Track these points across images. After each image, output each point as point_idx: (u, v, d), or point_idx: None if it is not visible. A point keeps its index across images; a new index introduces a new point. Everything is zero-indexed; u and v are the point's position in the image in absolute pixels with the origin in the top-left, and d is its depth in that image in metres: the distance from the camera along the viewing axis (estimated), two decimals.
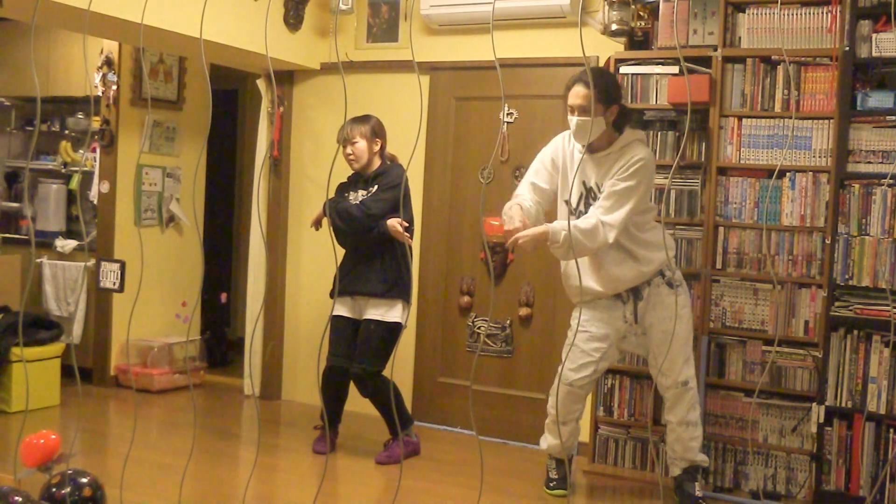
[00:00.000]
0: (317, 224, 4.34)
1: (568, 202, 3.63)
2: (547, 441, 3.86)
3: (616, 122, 3.57)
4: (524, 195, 3.66)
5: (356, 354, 4.10)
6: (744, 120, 3.91)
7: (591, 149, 3.58)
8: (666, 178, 4.01)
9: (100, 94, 5.36)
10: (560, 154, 3.68)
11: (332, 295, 4.38)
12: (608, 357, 3.70)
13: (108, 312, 5.36)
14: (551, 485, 3.86)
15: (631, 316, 3.64)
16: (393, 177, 4.13)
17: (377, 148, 4.18)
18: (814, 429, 3.68)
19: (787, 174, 3.83)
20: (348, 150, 4.15)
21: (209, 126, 2.37)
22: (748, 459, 3.91)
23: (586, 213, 3.56)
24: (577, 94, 3.52)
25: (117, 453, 4.16)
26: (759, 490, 3.87)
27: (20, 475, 2.68)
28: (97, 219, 5.41)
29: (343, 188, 4.26)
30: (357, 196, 4.15)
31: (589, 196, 3.60)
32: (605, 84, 3.55)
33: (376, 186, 4.12)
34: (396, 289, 4.08)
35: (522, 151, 4.67)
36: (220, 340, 6.33)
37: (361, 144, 4.14)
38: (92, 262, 5.30)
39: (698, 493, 3.64)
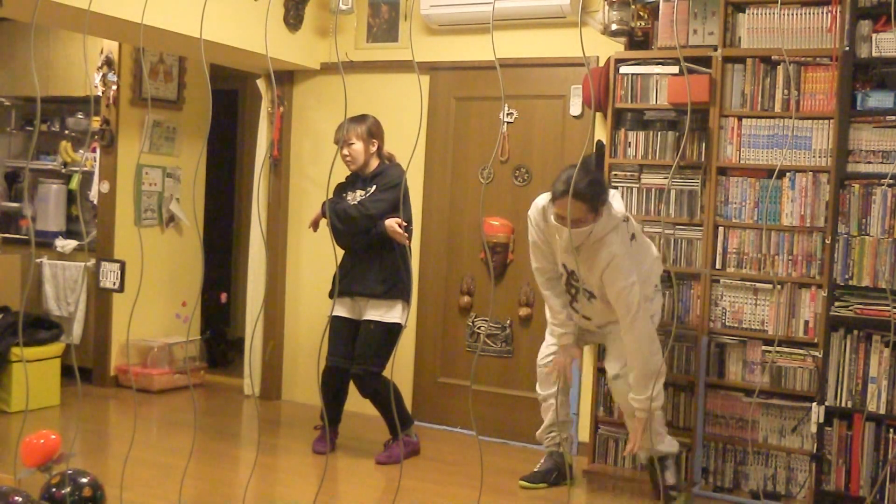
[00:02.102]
0: (314, 225, 4.33)
1: (564, 266, 3.71)
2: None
3: None
4: (557, 306, 3.79)
5: (356, 355, 4.09)
6: (744, 120, 3.91)
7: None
8: (666, 178, 4.01)
9: (100, 94, 5.36)
10: (541, 232, 3.70)
11: (331, 295, 4.38)
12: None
13: (108, 312, 5.36)
14: (525, 475, 3.94)
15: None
16: (391, 177, 4.12)
17: (374, 148, 4.18)
18: (814, 429, 3.68)
19: (787, 174, 3.83)
20: (345, 151, 4.14)
21: (209, 126, 2.37)
22: (748, 459, 3.91)
23: (567, 292, 3.75)
24: (570, 208, 3.38)
25: (117, 453, 4.16)
26: (759, 490, 3.87)
27: (20, 475, 2.68)
28: (97, 219, 5.41)
29: (341, 188, 4.26)
30: (355, 196, 4.14)
31: (571, 277, 3.70)
32: (595, 192, 3.43)
33: (374, 186, 4.11)
34: (396, 289, 4.07)
35: (522, 151, 4.67)
36: (220, 340, 6.32)
37: (358, 146, 4.14)
38: (92, 262, 5.31)
39: (671, 480, 3.62)
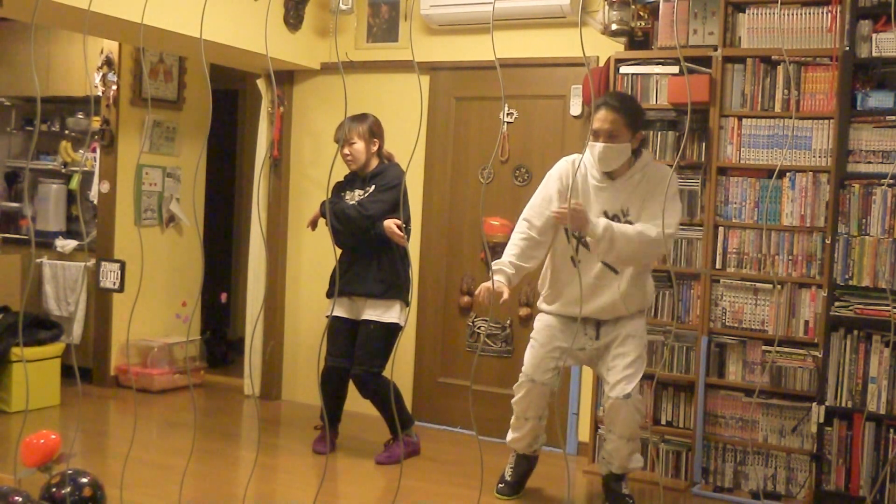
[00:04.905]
0: (313, 225, 4.33)
1: (576, 235, 3.49)
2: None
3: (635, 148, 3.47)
4: (513, 249, 3.53)
5: (356, 356, 4.09)
6: (744, 120, 3.91)
7: (609, 175, 3.47)
8: None
9: (100, 94, 5.36)
10: (567, 181, 3.52)
11: (329, 295, 4.37)
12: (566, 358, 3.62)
13: (108, 312, 5.36)
14: (500, 486, 3.75)
15: (592, 331, 3.56)
16: (390, 177, 4.12)
17: (375, 148, 4.17)
18: (814, 429, 3.68)
19: (787, 174, 3.83)
20: (346, 150, 4.14)
21: (209, 126, 2.36)
22: (748, 459, 3.91)
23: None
24: (605, 118, 3.39)
25: (117, 453, 4.16)
26: (760, 490, 3.87)
27: (20, 475, 2.68)
28: (97, 219, 5.41)
29: (340, 188, 4.25)
30: (353, 196, 4.14)
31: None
32: (634, 109, 3.46)
33: (373, 186, 4.11)
34: (394, 289, 4.07)
35: (522, 151, 4.67)
36: (220, 340, 6.33)
37: (359, 145, 4.13)
38: (92, 262, 5.31)
39: (626, 490, 3.61)
